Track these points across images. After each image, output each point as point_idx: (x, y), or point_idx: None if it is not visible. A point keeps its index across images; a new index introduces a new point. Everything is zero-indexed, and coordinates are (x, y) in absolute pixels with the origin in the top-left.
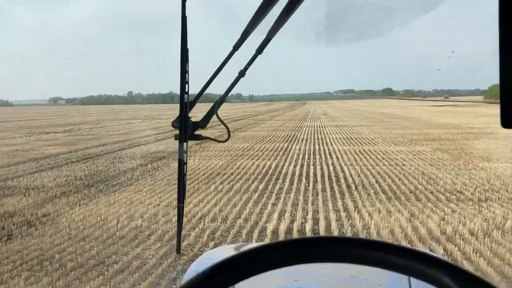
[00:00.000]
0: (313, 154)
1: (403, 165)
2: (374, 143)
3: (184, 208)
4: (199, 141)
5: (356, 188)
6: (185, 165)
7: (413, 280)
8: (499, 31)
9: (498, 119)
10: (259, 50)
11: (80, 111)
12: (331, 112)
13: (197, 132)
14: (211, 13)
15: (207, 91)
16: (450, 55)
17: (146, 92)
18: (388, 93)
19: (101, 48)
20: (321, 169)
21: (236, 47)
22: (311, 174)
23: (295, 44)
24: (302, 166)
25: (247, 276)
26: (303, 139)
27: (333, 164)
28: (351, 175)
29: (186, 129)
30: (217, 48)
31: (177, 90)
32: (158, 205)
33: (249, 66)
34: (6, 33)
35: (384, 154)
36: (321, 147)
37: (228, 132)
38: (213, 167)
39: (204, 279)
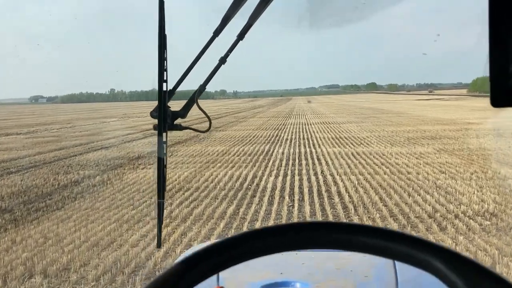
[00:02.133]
0: (298, 159)
1: (408, 172)
2: (367, 144)
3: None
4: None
5: (356, 211)
6: (164, 157)
7: (399, 271)
8: (489, 8)
9: (493, 113)
10: (241, 36)
11: (58, 109)
12: (317, 107)
13: (177, 122)
14: None
15: (186, 87)
16: (436, 38)
17: (128, 90)
18: (372, 87)
19: (83, 45)
20: (309, 180)
21: (217, 32)
22: (296, 189)
23: (278, 29)
24: (285, 176)
25: (229, 265)
26: (287, 139)
27: (322, 173)
28: (346, 190)
29: (165, 119)
30: (197, 34)
31: (153, 87)
32: (79, 248)
33: (230, 53)
34: None
35: (381, 157)
36: (307, 150)
37: (210, 121)
38: (174, 181)
39: (185, 267)
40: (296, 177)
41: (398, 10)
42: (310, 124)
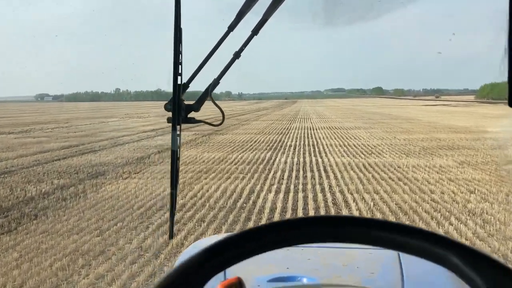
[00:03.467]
0: (303, 170)
1: (431, 191)
2: (379, 153)
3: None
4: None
5: None
6: (178, 149)
7: (405, 267)
8: (509, 12)
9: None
10: (255, 31)
11: (62, 108)
12: (322, 111)
13: (190, 115)
14: None
15: (201, 81)
16: (451, 37)
17: (134, 90)
18: (378, 92)
19: (89, 43)
20: (315, 199)
21: (231, 27)
22: (299, 210)
23: (285, 31)
24: (287, 192)
25: (239, 260)
26: (290, 145)
27: (331, 189)
28: (360, 214)
29: (179, 112)
30: (212, 29)
31: (165, 87)
32: None
33: (244, 48)
34: None
35: (397, 171)
36: (313, 159)
37: (223, 115)
38: (158, 195)
39: (196, 265)
40: (300, 194)
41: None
42: (316, 129)
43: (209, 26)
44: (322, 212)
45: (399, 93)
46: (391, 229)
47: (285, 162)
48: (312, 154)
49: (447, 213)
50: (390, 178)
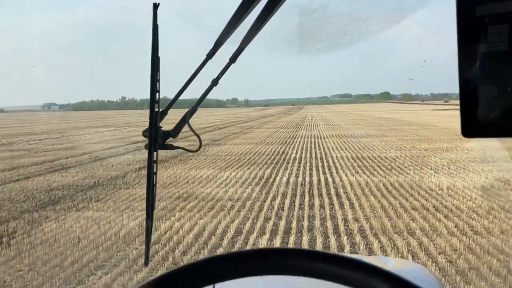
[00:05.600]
0: (309, 195)
1: (487, 231)
2: (400, 169)
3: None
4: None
5: None
6: (155, 176)
7: None
8: (457, 39)
9: None
10: (233, 59)
11: (65, 117)
12: (330, 117)
13: (168, 142)
14: (184, 22)
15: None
16: (422, 64)
17: (139, 98)
18: (385, 97)
19: (94, 53)
20: (325, 244)
21: (210, 55)
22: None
23: (268, 52)
24: (286, 233)
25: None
26: (295, 158)
27: (347, 227)
28: None
29: (156, 139)
30: (189, 57)
31: (170, 95)
32: None
33: (221, 75)
34: None
35: (431, 195)
36: (322, 178)
37: (200, 141)
38: (114, 235)
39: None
40: (305, 237)
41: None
42: (324, 138)
43: (188, 55)
44: None
45: (407, 98)
46: (321, 259)
47: (287, 183)
48: (321, 171)
49: None
50: (423, 206)
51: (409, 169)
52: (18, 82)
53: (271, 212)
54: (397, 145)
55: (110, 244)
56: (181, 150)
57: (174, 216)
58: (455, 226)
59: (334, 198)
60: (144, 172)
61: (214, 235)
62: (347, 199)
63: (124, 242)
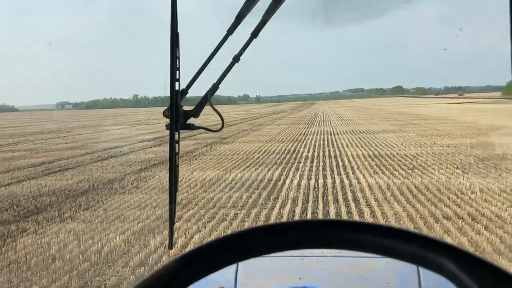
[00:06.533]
0: (323, 200)
1: None
2: (424, 168)
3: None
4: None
5: None
6: (177, 156)
7: (423, 278)
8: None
9: None
10: (254, 34)
11: (77, 115)
12: (343, 112)
13: (189, 122)
14: None
15: (200, 86)
16: (458, 33)
17: (152, 95)
18: (398, 91)
19: (107, 51)
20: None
21: (230, 31)
22: None
23: (291, 27)
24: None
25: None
26: (307, 157)
27: None
28: None
29: (177, 118)
30: (210, 33)
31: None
32: None
33: (243, 51)
34: (13, 37)
35: (463, 200)
36: (337, 180)
37: (222, 121)
38: (83, 262)
39: (172, 271)
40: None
41: (423, 10)
42: (337, 134)
43: (208, 30)
44: None
45: (420, 92)
46: (380, 233)
47: (298, 186)
48: (335, 171)
49: None
50: (457, 215)
51: (433, 169)
52: (32, 81)
53: (279, 220)
54: (416, 141)
55: (88, 267)
56: (186, 149)
57: (166, 230)
58: (501, 242)
59: (352, 204)
60: (144, 174)
61: None
62: (367, 205)
63: (105, 263)
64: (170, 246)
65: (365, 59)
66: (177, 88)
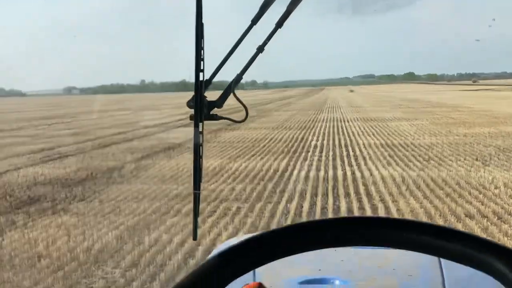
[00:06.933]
0: (333, 195)
1: None
2: (440, 159)
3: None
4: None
5: None
6: (201, 147)
7: (445, 269)
8: None
9: None
10: (279, 24)
11: (83, 101)
12: (353, 98)
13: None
14: None
15: (223, 77)
16: (491, 23)
17: (159, 81)
18: (410, 77)
19: (115, 36)
20: None
21: (255, 21)
22: None
23: (315, 19)
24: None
25: (266, 261)
26: (316, 146)
27: None
28: None
29: (201, 109)
30: (234, 23)
31: (189, 79)
32: None
33: (268, 41)
34: (20, 20)
35: (487, 196)
36: (348, 172)
37: (246, 112)
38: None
39: (222, 261)
40: None
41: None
42: (348, 121)
43: (232, 20)
44: None
45: (432, 78)
46: (430, 232)
47: (306, 178)
48: (346, 162)
49: None
50: (480, 213)
51: (450, 160)
52: (40, 66)
53: (286, 219)
54: (430, 130)
55: (75, 267)
56: (191, 136)
57: (165, 224)
58: None
59: (365, 199)
60: (145, 162)
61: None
62: (381, 201)
63: (95, 263)
64: (195, 237)
65: (377, 45)
66: (201, 78)
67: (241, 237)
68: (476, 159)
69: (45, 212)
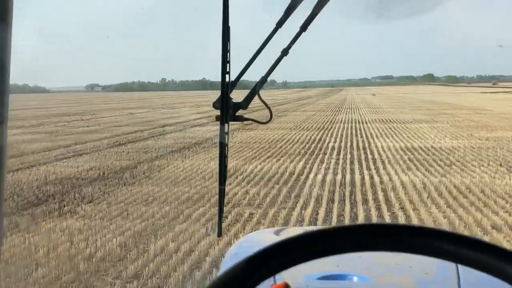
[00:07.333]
0: (351, 201)
1: None
2: (463, 164)
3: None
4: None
5: None
6: (226, 147)
7: (461, 268)
8: None
9: None
10: (304, 27)
11: (105, 98)
12: (372, 100)
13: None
14: None
15: (249, 78)
16: (498, 48)
17: (179, 79)
18: (429, 79)
19: (138, 35)
20: None
21: (280, 23)
22: None
23: (337, 21)
24: None
25: (294, 264)
26: (333, 148)
27: None
28: None
29: (227, 110)
30: (260, 26)
31: (209, 77)
32: None
33: (292, 44)
34: (45, 18)
35: None
36: (366, 177)
37: (271, 113)
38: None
39: (249, 265)
40: None
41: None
42: (366, 123)
43: (257, 23)
44: None
45: (452, 80)
46: (448, 240)
47: (323, 182)
48: (364, 165)
49: None
50: (508, 225)
51: (473, 165)
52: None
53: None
54: (452, 133)
55: (73, 277)
56: (206, 136)
57: (173, 230)
58: None
59: (384, 207)
60: (158, 162)
61: (217, 268)
62: (401, 209)
63: (95, 272)
64: (219, 233)
65: (396, 46)
66: (227, 80)
67: (261, 231)
68: (500, 165)
69: (50, 214)
